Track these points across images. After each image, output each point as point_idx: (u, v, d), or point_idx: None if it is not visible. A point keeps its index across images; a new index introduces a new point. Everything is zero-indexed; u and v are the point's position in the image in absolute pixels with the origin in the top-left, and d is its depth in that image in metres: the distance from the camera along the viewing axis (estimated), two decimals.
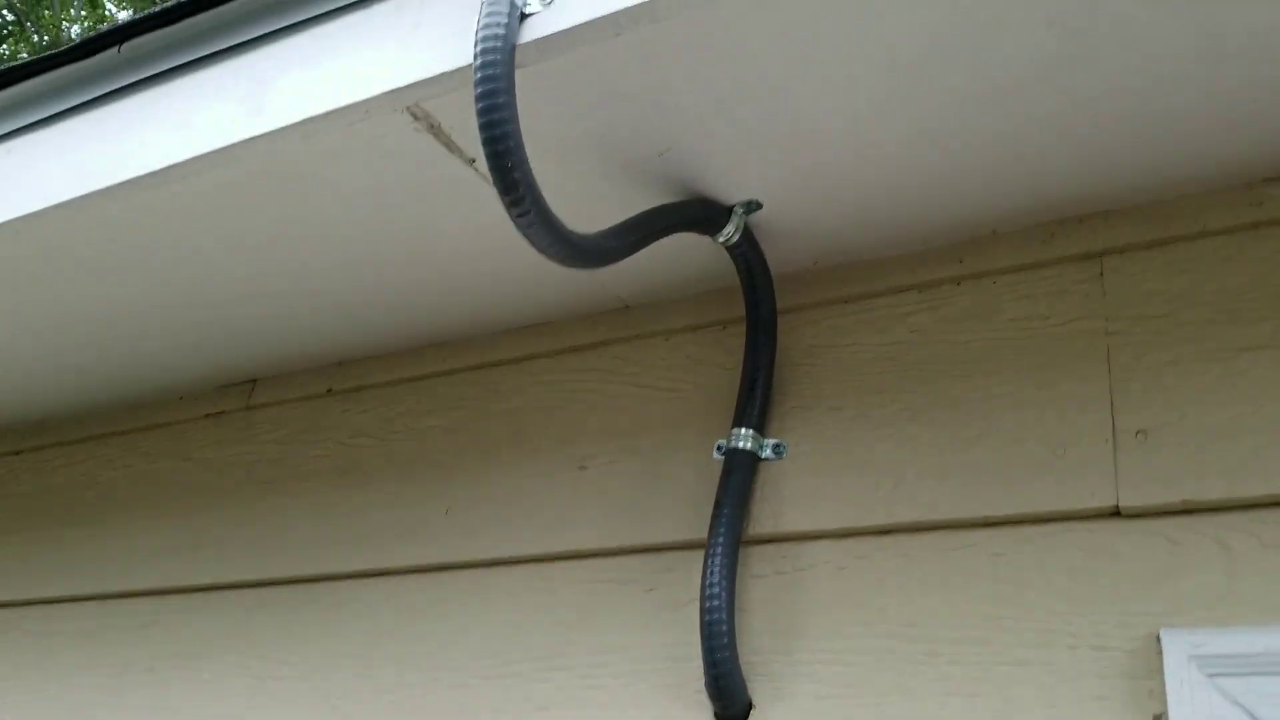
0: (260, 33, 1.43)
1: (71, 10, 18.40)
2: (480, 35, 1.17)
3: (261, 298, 1.82)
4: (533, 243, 1.23)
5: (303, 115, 1.33)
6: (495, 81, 1.15)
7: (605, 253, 1.33)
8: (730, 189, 1.47)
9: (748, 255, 1.53)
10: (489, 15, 1.19)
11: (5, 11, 18.24)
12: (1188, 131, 1.31)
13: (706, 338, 1.68)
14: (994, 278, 1.49)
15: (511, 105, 1.16)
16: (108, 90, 1.54)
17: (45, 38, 17.86)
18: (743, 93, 1.29)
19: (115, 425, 2.25)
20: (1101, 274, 1.42)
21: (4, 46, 18.61)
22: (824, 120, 1.33)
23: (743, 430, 1.50)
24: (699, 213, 1.47)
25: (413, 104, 1.30)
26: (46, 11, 18.10)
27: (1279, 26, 1.14)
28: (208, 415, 2.13)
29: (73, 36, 18.51)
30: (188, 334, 1.96)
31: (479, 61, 1.16)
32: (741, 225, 1.50)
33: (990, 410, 1.40)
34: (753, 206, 1.49)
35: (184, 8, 1.49)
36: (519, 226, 1.21)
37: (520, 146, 1.17)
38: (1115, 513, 1.28)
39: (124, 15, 18.96)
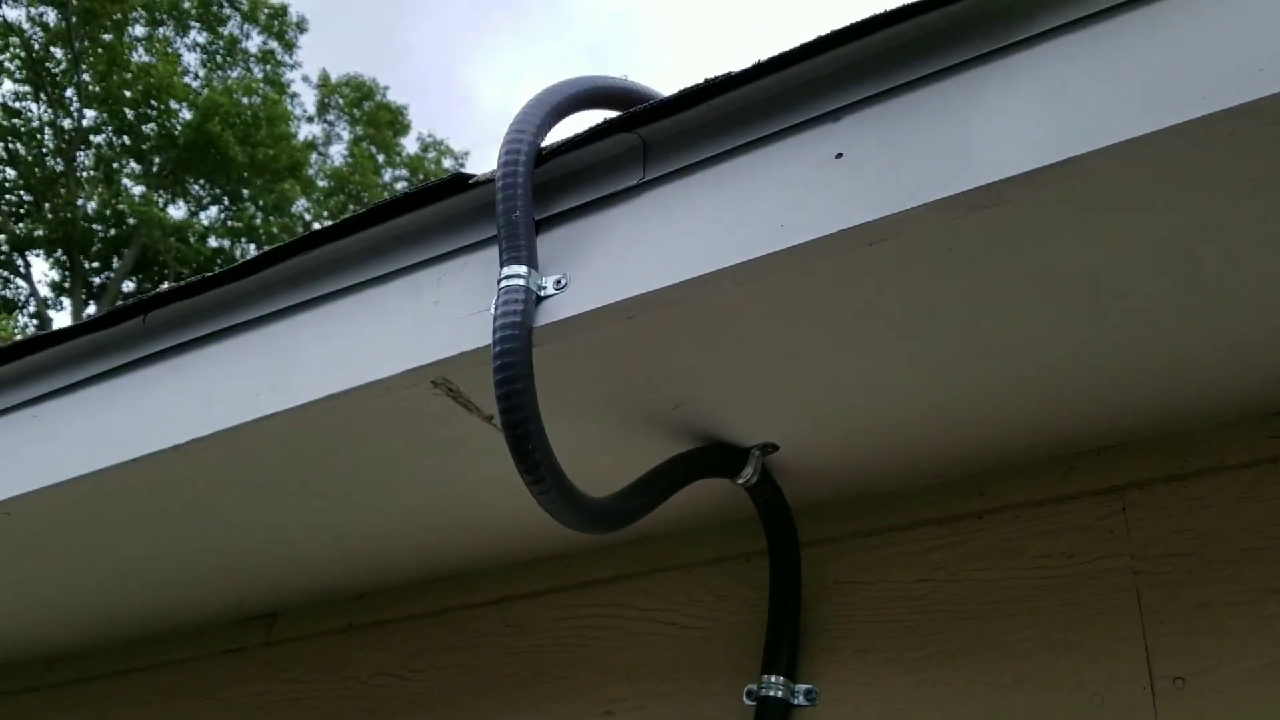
0: (280, 307, 1.47)
1: (85, 188, 18.99)
2: (499, 321, 1.21)
3: (280, 539, 1.82)
4: (552, 514, 1.24)
5: (326, 392, 1.36)
6: (514, 369, 1.18)
7: (623, 516, 1.34)
8: (746, 433, 1.48)
9: (768, 496, 1.54)
10: (506, 301, 1.22)
11: (22, 192, 18.82)
12: (1199, 370, 1.33)
13: (729, 570, 1.67)
14: (1016, 512, 1.49)
15: (530, 390, 1.18)
16: (132, 359, 1.58)
17: (63, 215, 18.39)
18: (751, 357, 1.31)
19: (133, 661, 2.23)
20: (1124, 509, 1.42)
21: (21, 225, 19.14)
22: (833, 375, 1.35)
23: (772, 678, 1.48)
24: (716, 459, 1.48)
25: (435, 377, 1.33)
26: (63, 190, 18.69)
27: (1276, 277, 1.17)
28: (227, 651, 2.11)
29: (89, 212, 19.06)
30: (207, 572, 1.96)
31: (498, 349, 1.19)
32: (759, 467, 1.51)
33: (1024, 654, 1.38)
34: (769, 449, 1.51)
35: (206, 282, 1.53)
36: (539, 501, 1.22)
37: (540, 428, 1.19)
38: None
39: (139, 190, 19.55)
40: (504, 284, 1.24)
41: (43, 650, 2.33)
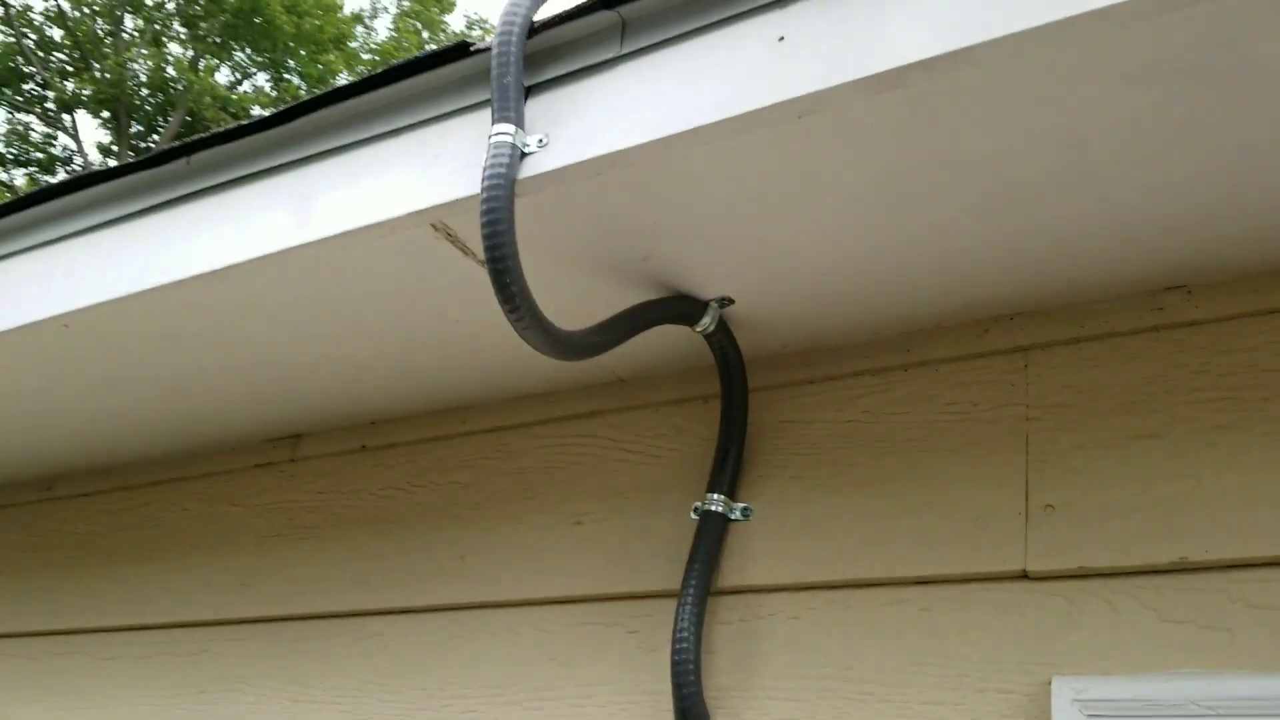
0: (307, 153, 1.68)
1: (133, 50, 19.10)
2: (487, 173, 1.42)
3: (304, 367, 2.07)
4: (527, 342, 1.47)
5: (342, 229, 1.58)
6: (497, 213, 1.39)
7: (591, 348, 1.56)
8: (706, 286, 1.70)
9: (723, 344, 1.76)
10: (494, 154, 1.43)
11: (72, 50, 18.98)
12: (1095, 249, 1.52)
13: (690, 410, 1.91)
14: (936, 366, 1.71)
15: (510, 232, 1.40)
16: (177, 195, 1.81)
17: (108, 74, 18.55)
18: (710, 215, 1.52)
19: (175, 473, 2.52)
20: (1026, 366, 1.63)
21: (70, 82, 19.36)
22: (783, 237, 1.56)
23: (715, 495, 1.73)
24: (678, 308, 1.70)
25: (434, 220, 1.55)
26: (110, 51, 18.83)
27: (1161, 176, 1.36)
28: (257, 466, 2.39)
29: (137, 72, 19.21)
30: (240, 395, 2.22)
31: (485, 194, 1.41)
32: (716, 318, 1.73)
33: (925, 483, 1.62)
34: (725, 302, 1.72)
35: (243, 129, 1.75)
36: (515, 329, 1.45)
37: (517, 265, 1.41)
38: (1023, 576, 1.49)
39: (176, 49, 19.57)
40: (493, 139, 1.45)
41: (93, 461, 2.63)
